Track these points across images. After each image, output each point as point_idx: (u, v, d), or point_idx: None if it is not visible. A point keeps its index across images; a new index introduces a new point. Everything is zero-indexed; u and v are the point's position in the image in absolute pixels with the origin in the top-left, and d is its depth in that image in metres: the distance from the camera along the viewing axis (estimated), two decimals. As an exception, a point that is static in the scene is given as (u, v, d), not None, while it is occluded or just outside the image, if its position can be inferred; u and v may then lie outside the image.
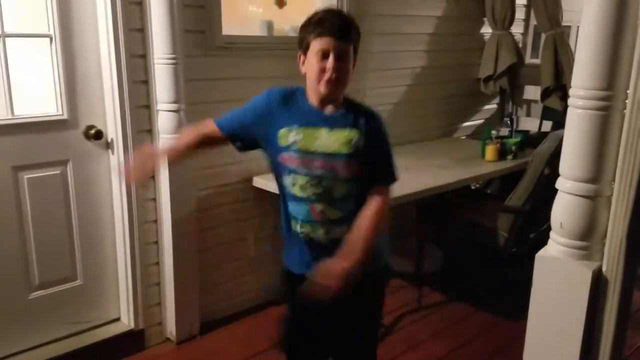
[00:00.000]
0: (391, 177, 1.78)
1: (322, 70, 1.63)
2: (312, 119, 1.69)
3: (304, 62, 1.69)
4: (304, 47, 1.67)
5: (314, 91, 1.69)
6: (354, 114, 1.71)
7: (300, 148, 1.68)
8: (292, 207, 1.77)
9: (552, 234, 1.50)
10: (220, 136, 1.80)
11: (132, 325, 2.72)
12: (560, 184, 1.47)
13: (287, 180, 1.74)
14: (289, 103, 1.73)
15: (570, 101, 1.42)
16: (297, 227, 1.77)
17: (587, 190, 1.42)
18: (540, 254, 1.52)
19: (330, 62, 1.62)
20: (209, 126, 1.82)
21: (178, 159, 1.98)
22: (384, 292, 1.94)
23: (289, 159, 1.71)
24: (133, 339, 2.71)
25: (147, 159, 1.90)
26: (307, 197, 1.72)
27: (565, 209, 1.46)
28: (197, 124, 1.87)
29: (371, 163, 1.73)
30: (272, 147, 1.73)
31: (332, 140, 1.68)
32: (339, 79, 1.64)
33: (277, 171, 1.77)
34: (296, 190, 1.73)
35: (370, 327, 1.97)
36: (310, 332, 1.96)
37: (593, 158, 1.40)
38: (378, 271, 1.87)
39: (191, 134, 1.87)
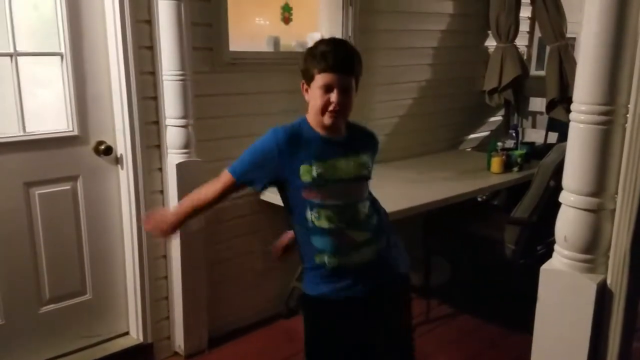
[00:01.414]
0: None
1: (327, 103, 1.68)
2: (328, 150, 1.74)
3: (307, 91, 1.74)
4: (308, 78, 1.72)
5: (317, 121, 1.74)
6: (359, 137, 1.82)
7: (325, 180, 1.71)
8: (318, 241, 1.76)
9: (556, 247, 1.51)
10: (237, 187, 1.79)
11: (141, 339, 2.74)
12: (563, 197, 1.48)
13: (311, 215, 1.73)
14: (299, 140, 1.73)
15: (572, 116, 1.44)
16: (325, 259, 1.75)
17: (590, 203, 1.43)
18: (545, 267, 1.53)
19: (334, 96, 1.68)
20: (225, 180, 1.78)
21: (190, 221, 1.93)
22: (410, 297, 2.03)
23: (312, 194, 1.72)
24: (142, 353, 2.73)
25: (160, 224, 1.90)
26: (336, 228, 1.73)
27: (568, 222, 1.47)
28: (211, 181, 1.82)
29: None
30: (293, 185, 1.73)
31: (350, 166, 1.76)
32: (342, 112, 1.71)
33: (298, 207, 1.76)
34: (322, 223, 1.73)
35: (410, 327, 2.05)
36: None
37: (596, 172, 1.41)
38: (403, 278, 1.95)
39: (207, 194, 1.82)
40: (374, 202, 1.88)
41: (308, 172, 1.70)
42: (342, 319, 1.83)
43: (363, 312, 1.84)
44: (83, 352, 2.63)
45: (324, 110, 1.69)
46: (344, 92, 1.69)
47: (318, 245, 1.76)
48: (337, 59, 1.68)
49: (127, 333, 2.79)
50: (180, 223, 1.88)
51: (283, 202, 1.83)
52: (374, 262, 1.81)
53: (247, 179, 1.77)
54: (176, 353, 2.84)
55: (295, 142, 1.73)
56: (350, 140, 1.80)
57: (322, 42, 1.75)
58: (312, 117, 1.75)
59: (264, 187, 1.79)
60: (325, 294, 1.81)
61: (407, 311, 1.99)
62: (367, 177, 1.82)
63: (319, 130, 1.75)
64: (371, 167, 1.83)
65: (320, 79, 1.68)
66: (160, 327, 2.79)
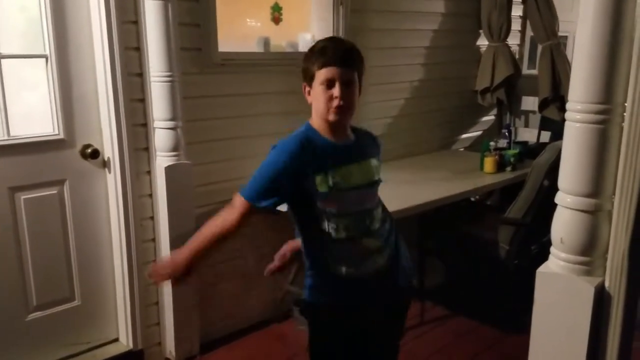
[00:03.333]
0: None
1: (330, 99, 1.62)
2: (340, 157, 1.67)
3: (309, 93, 1.68)
4: (309, 78, 1.67)
5: (322, 121, 1.67)
6: (365, 141, 1.78)
7: (341, 188, 1.64)
8: (335, 251, 1.70)
9: (552, 249, 1.48)
10: (255, 212, 1.63)
11: (131, 345, 2.69)
12: (559, 198, 1.44)
13: (328, 225, 1.67)
14: (310, 149, 1.65)
15: (567, 115, 1.40)
16: (343, 270, 1.70)
17: (587, 204, 1.39)
18: (541, 269, 1.50)
19: (336, 90, 1.62)
20: (240, 207, 1.62)
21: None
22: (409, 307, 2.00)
23: (329, 204, 1.65)
24: (132, 360, 2.69)
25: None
26: (352, 237, 1.69)
27: (565, 224, 1.43)
28: (224, 211, 1.65)
29: None
30: (309, 196, 1.64)
31: (363, 172, 1.71)
32: (346, 106, 1.64)
33: (314, 219, 1.68)
34: (340, 234, 1.68)
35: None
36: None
37: (592, 172, 1.37)
38: (410, 288, 1.94)
39: (224, 226, 1.64)
40: (384, 207, 1.83)
41: (324, 181, 1.62)
42: (346, 325, 1.79)
43: (366, 319, 1.81)
44: (72, 360, 2.58)
45: (328, 106, 1.62)
46: (346, 86, 1.63)
47: (335, 255, 1.70)
48: (337, 52, 1.64)
49: (116, 339, 2.73)
50: (195, 262, 1.65)
51: (295, 215, 1.73)
52: (386, 270, 1.76)
53: (265, 201, 1.61)
54: (167, 359, 2.79)
55: (307, 150, 1.64)
56: (359, 144, 1.74)
57: (320, 40, 1.73)
58: (317, 120, 1.68)
59: (279, 205, 1.66)
60: (332, 302, 1.77)
61: (403, 322, 1.97)
62: (378, 182, 1.76)
63: (326, 135, 1.68)
64: (380, 170, 1.79)
65: (321, 75, 1.62)
66: (151, 333, 2.74)
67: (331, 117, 1.64)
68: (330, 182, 1.63)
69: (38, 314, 2.47)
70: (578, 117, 1.38)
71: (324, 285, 1.76)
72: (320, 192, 1.62)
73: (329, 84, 1.62)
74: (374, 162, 1.76)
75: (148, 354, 2.74)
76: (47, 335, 2.50)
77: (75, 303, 2.58)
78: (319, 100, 1.64)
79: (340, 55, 1.64)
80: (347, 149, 1.70)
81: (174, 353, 2.75)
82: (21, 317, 2.43)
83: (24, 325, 2.44)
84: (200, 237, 1.66)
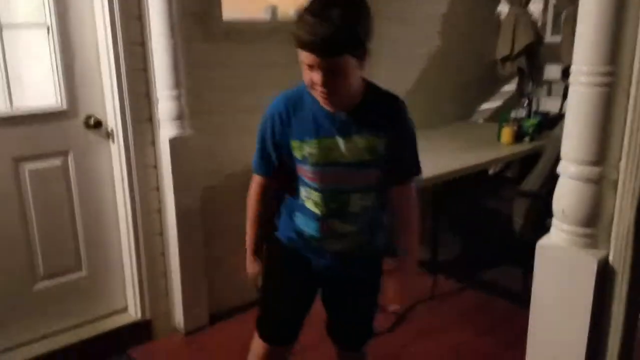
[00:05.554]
0: (416, 170, 1.67)
1: (311, 82, 1.41)
2: (325, 128, 1.50)
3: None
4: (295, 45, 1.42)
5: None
6: (372, 112, 1.53)
7: (315, 162, 1.53)
8: (300, 219, 1.65)
9: (554, 220, 1.41)
10: (270, 178, 1.67)
11: (139, 316, 2.70)
12: (562, 167, 1.37)
13: (302, 191, 1.61)
14: (297, 110, 1.53)
15: (571, 79, 1.32)
16: (304, 235, 1.67)
17: (591, 173, 1.32)
18: (542, 242, 1.43)
19: (317, 77, 1.38)
20: (256, 180, 1.70)
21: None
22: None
23: (304, 172, 1.57)
24: (140, 330, 2.70)
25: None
26: (320, 213, 1.59)
27: (568, 194, 1.36)
28: (249, 195, 1.76)
29: (395, 158, 1.58)
30: (291, 157, 1.58)
31: (348, 150, 1.51)
32: (333, 94, 1.43)
33: (296, 178, 1.63)
34: (309, 205, 1.60)
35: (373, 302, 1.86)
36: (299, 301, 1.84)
37: (597, 139, 1.30)
38: (382, 252, 1.80)
39: (253, 204, 1.74)
40: (379, 207, 1.66)
41: (299, 148, 1.53)
42: (296, 265, 1.74)
43: (322, 276, 1.75)
44: (79, 329, 2.59)
45: (312, 88, 1.44)
46: (331, 74, 1.37)
47: (299, 222, 1.66)
48: (316, 38, 1.32)
49: (125, 310, 2.75)
50: (257, 245, 1.82)
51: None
52: (350, 252, 1.68)
53: (264, 167, 1.64)
54: (176, 330, 2.80)
55: (294, 110, 1.53)
56: (360, 115, 1.50)
57: (312, 5, 1.37)
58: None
59: (277, 168, 1.63)
60: (283, 236, 1.74)
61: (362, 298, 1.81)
62: (370, 164, 1.55)
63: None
64: (381, 150, 1.53)
65: (300, 55, 1.38)
66: (159, 303, 2.75)
67: (318, 98, 1.47)
68: (305, 152, 1.52)
69: (45, 283, 2.49)
70: (582, 79, 1.30)
71: (287, 227, 1.71)
72: (295, 157, 1.56)
73: (310, 67, 1.38)
74: (372, 140, 1.52)
75: (156, 324, 2.74)
76: (54, 305, 2.52)
77: (82, 273, 2.59)
78: (304, 76, 1.44)
79: (320, 43, 1.32)
80: (337, 120, 1.50)
81: (182, 324, 2.76)
82: (28, 287, 2.45)
83: (31, 294, 2.46)
84: (248, 222, 1.78)
